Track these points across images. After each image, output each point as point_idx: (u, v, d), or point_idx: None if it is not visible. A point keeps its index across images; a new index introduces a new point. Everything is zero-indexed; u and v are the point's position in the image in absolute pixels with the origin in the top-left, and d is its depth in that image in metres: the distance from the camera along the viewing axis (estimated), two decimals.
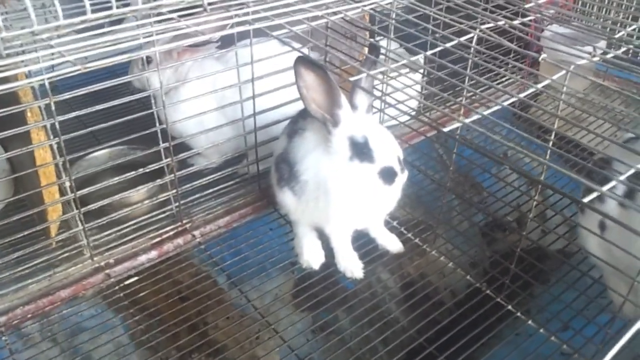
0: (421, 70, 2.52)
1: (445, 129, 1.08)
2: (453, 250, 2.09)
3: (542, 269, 1.86)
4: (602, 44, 2.70)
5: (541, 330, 1.72)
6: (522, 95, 1.19)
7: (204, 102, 2.02)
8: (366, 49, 2.38)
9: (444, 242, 2.11)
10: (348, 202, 1.70)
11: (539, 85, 1.28)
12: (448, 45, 1.40)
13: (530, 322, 1.76)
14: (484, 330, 1.69)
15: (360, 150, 1.63)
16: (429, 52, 1.47)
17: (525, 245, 1.84)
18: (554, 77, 1.33)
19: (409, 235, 2.11)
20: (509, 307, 1.80)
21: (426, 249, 2.07)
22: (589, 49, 1.51)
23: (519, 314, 1.79)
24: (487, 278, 1.92)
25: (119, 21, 1.59)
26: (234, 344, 1.74)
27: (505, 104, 1.14)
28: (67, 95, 1.57)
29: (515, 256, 1.80)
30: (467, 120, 1.08)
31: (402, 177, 1.66)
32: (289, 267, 2.00)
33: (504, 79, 2.76)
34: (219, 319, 1.83)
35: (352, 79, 1.38)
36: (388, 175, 1.64)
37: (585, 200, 0.95)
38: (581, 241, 1.82)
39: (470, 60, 1.49)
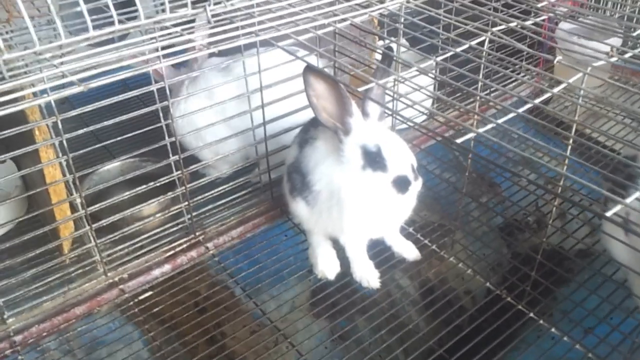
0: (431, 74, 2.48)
1: (459, 140, 1.04)
2: (472, 255, 2.04)
3: (563, 273, 1.81)
4: (617, 39, 2.64)
5: (565, 338, 1.67)
6: (537, 100, 1.14)
7: (202, 116, 1.99)
8: (375, 54, 2.36)
9: (462, 247, 2.07)
10: (362, 212, 1.67)
11: (555, 90, 1.23)
12: (459, 50, 1.35)
13: (553, 329, 1.71)
14: (507, 338, 1.65)
15: (373, 159, 1.60)
16: (439, 58, 1.43)
17: (545, 248, 1.80)
18: (571, 80, 1.27)
19: (426, 241, 2.07)
20: (531, 314, 1.76)
21: (444, 256, 2.03)
22: (604, 47, 1.45)
23: (541, 321, 1.74)
24: (508, 285, 1.87)
25: (123, 37, 1.58)
26: (253, 356, 1.72)
27: (520, 110, 1.10)
28: (73, 113, 1.56)
29: (535, 262, 1.75)
30: (481, 130, 1.04)
31: (416, 186, 1.62)
32: (306, 276, 1.97)
33: (516, 80, 2.72)
34: (237, 330, 1.80)
35: (361, 89, 1.35)
36: (402, 184, 1.60)
37: (609, 214, 0.91)
38: (604, 243, 1.77)
39: (482, 64, 1.44)
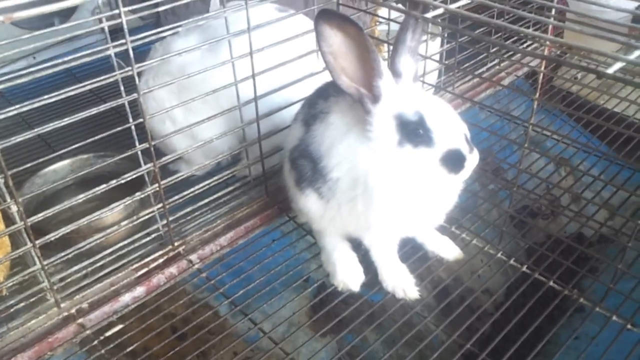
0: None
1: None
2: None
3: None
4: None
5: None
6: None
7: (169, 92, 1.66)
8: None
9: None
10: (398, 202, 1.29)
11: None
12: None
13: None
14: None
15: (413, 131, 1.23)
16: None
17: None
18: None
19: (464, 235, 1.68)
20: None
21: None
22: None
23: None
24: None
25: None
26: None
27: None
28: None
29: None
30: (633, 57, 0.67)
31: (472, 161, 1.25)
32: (303, 286, 1.59)
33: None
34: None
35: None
36: (454, 160, 1.23)
37: None
38: None
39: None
